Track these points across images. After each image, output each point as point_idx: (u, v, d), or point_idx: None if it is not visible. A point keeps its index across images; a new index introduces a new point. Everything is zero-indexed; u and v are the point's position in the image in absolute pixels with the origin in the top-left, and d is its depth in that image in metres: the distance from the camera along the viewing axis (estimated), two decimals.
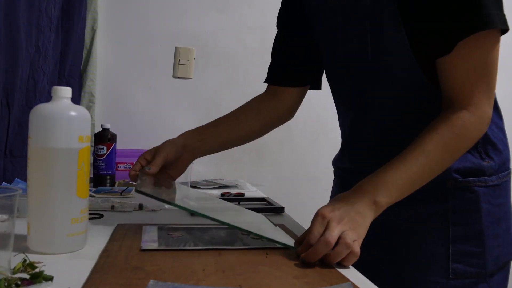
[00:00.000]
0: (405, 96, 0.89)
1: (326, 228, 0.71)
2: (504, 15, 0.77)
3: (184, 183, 1.18)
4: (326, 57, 1.03)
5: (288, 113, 1.14)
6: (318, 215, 0.73)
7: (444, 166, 0.82)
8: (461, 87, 0.79)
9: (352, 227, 0.71)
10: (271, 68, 1.15)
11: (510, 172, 0.94)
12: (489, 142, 0.90)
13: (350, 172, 1.04)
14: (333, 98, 1.08)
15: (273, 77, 1.13)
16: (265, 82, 1.14)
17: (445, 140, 0.79)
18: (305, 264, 0.68)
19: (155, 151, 0.99)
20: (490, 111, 0.81)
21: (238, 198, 1.29)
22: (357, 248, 0.70)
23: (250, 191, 1.52)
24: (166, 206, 1.07)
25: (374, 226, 0.77)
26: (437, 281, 0.87)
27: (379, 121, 0.94)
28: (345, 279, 0.62)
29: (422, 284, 0.88)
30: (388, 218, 0.87)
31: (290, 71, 1.11)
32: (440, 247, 0.88)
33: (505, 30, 0.78)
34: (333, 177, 1.15)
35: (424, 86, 0.86)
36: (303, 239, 0.73)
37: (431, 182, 0.82)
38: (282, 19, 1.13)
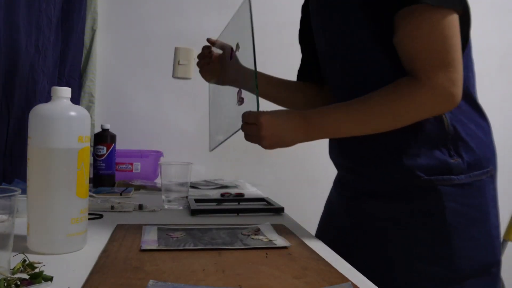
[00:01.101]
0: (375, 87, 0.90)
1: (258, 134, 0.88)
2: None
3: (184, 183, 1.18)
4: (320, 54, 1.08)
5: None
6: (257, 116, 0.88)
7: (385, 123, 0.85)
8: (414, 60, 0.82)
9: (275, 140, 0.89)
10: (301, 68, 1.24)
11: (488, 172, 0.91)
12: (460, 139, 0.88)
13: (340, 165, 1.08)
14: None
15: (302, 75, 1.23)
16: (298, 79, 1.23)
17: (389, 98, 0.84)
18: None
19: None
20: (451, 88, 0.81)
21: (238, 198, 1.29)
22: (263, 142, 0.89)
23: (250, 191, 1.52)
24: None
25: (354, 227, 0.93)
26: (404, 282, 0.87)
27: None
28: (345, 279, 0.62)
29: (390, 284, 0.85)
30: (344, 215, 1.00)
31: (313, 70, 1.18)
32: (407, 249, 0.88)
33: (460, 9, 0.83)
34: (333, 177, 1.15)
35: (392, 74, 0.88)
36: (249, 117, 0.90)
37: (394, 180, 0.88)
38: (301, 20, 1.21)
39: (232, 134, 1.02)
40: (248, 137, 0.92)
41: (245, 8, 0.98)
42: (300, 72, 1.23)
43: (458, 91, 0.82)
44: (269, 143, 0.90)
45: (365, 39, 0.89)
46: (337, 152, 1.05)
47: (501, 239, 0.95)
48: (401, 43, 0.83)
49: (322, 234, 1.07)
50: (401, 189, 0.89)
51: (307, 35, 1.15)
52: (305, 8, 1.18)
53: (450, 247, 0.85)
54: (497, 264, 0.90)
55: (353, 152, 0.98)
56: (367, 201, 0.95)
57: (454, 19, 0.81)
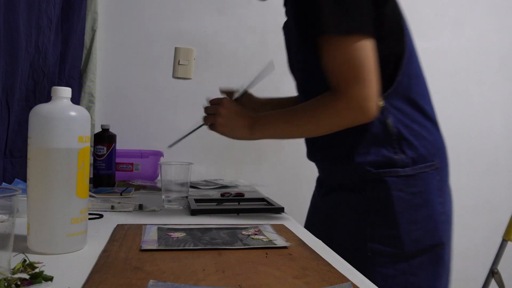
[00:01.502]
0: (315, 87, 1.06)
1: (217, 110, 1.09)
2: (363, 21, 0.94)
3: (184, 183, 1.18)
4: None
5: None
6: (222, 100, 1.11)
7: (309, 129, 1.03)
8: (332, 77, 0.97)
9: (228, 122, 1.08)
10: None
11: (432, 165, 1.04)
12: (403, 138, 1.01)
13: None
14: None
15: None
16: None
17: (311, 108, 1.01)
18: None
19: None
20: (363, 101, 0.94)
21: (238, 198, 1.29)
22: (217, 119, 1.09)
23: (250, 191, 1.52)
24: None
25: (314, 212, 1.18)
26: (359, 259, 0.95)
27: None
28: (345, 279, 0.62)
29: (349, 261, 0.90)
30: (321, 206, 1.16)
31: None
32: (360, 229, 1.03)
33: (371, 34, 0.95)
34: None
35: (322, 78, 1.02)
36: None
37: (351, 175, 1.04)
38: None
39: (193, 131, 1.19)
40: (206, 118, 1.13)
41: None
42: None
43: (371, 105, 0.94)
44: (221, 122, 1.09)
45: (307, 57, 1.06)
46: (309, 153, 1.19)
47: (451, 224, 1.07)
48: (323, 63, 0.98)
49: (309, 225, 1.23)
50: (357, 182, 1.04)
51: None
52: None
53: (398, 229, 0.99)
54: (441, 245, 1.04)
55: (318, 153, 1.15)
56: (331, 193, 1.12)
57: (363, 43, 0.93)
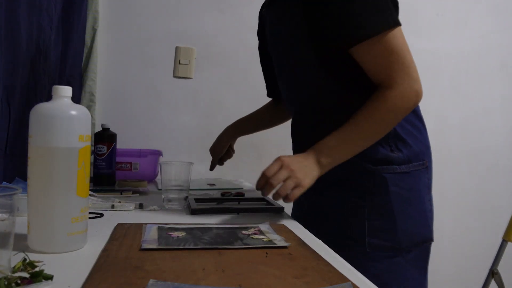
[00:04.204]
0: (318, 99, 1.10)
1: (280, 168, 0.96)
2: (393, 13, 0.97)
3: (184, 183, 1.18)
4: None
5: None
6: (276, 159, 0.98)
7: (375, 134, 1.02)
8: (379, 71, 0.99)
9: (298, 174, 0.95)
10: (266, 83, 1.46)
11: (423, 164, 1.10)
12: (399, 138, 1.07)
13: None
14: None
15: (268, 90, 1.47)
16: (267, 96, 1.48)
17: (371, 112, 0.99)
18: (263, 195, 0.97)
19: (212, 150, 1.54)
20: (414, 85, 0.98)
21: (238, 198, 1.29)
22: (292, 195, 0.94)
23: (250, 191, 1.52)
24: None
25: (305, 207, 1.17)
26: (357, 254, 1.01)
27: (306, 123, 1.17)
28: (345, 279, 0.62)
29: (345, 258, 0.89)
30: (315, 202, 1.15)
31: (272, 85, 1.42)
32: (358, 224, 1.04)
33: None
34: None
35: (331, 90, 1.06)
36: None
37: (349, 171, 1.05)
38: (259, 40, 1.40)
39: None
40: (281, 190, 0.95)
41: None
42: (267, 89, 1.47)
43: (420, 86, 0.99)
44: (300, 177, 0.96)
45: (307, 56, 1.05)
46: (300, 150, 1.18)
47: (433, 221, 1.13)
48: (364, 65, 1.00)
49: (296, 213, 1.26)
50: (355, 177, 1.07)
51: (265, 57, 1.35)
52: (260, 34, 1.37)
53: (395, 224, 1.04)
54: (430, 240, 1.10)
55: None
56: (326, 188, 1.11)
57: (399, 32, 0.98)
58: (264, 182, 0.96)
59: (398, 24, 0.97)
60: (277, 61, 1.20)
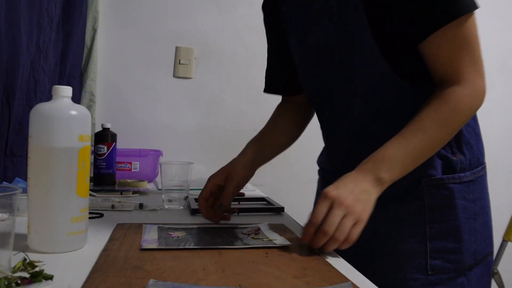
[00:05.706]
0: (373, 97, 0.90)
1: (330, 208, 0.73)
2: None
3: (184, 183, 1.18)
4: (298, 61, 1.03)
5: (306, 115, 1.17)
6: (322, 195, 0.75)
7: (443, 139, 0.84)
8: (448, 65, 0.82)
9: (355, 208, 0.74)
10: (268, 76, 1.16)
11: (484, 167, 0.94)
12: (463, 138, 0.90)
13: (331, 172, 1.04)
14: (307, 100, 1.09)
15: (272, 87, 1.16)
16: (264, 91, 1.16)
17: (440, 114, 0.81)
18: (310, 249, 0.76)
19: (227, 175, 0.99)
20: (482, 82, 0.82)
21: (238, 198, 1.29)
22: (353, 236, 0.73)
23: (250, 191, 1.52)
24: None
25: None
26: (416, 278, 0.87)
27: (351, 125, 0.95)
28: (345, 279, 0.62)
29: (401, 282, 0.87)
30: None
31: (284, 80, 1.13)
32: (418, 244, 0.88)
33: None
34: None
35: (391, 86, 0.87)
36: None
37: (406, 181, 0.84)
38: (266, 30, 1.14)
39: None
40: (339, 232, 0.73)
41: None
42: (275, 82, 1.16)
43: (485, 83, 0.83)
44: (361, 207, 0.75)
45: (365, 40, 0.86)
46: (332, 162, 1.04)
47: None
48: (433, 47, 0.82)
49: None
50: (407, 189, 0.88)
51: (277, 47, 1.11)
52: (271, 22, 1.11)
53: (461, 242, 0.88)
54: (491, 253, 0.95)
55: (350, 161, 0.86)
56: (382, 204, 0.84)
57: (472, 19, 0.81)
58: (314, 231, 0.74)
59: (477, 6, 0.80)
60: (314, 52, 0.97)
